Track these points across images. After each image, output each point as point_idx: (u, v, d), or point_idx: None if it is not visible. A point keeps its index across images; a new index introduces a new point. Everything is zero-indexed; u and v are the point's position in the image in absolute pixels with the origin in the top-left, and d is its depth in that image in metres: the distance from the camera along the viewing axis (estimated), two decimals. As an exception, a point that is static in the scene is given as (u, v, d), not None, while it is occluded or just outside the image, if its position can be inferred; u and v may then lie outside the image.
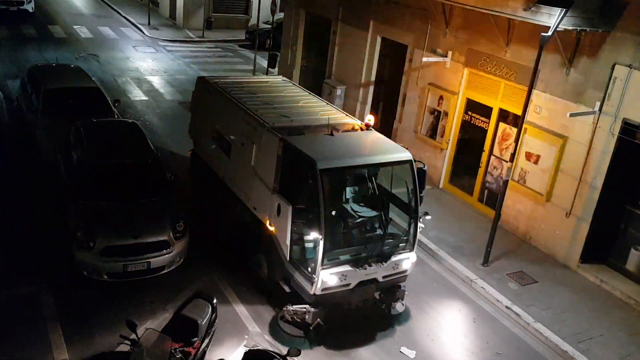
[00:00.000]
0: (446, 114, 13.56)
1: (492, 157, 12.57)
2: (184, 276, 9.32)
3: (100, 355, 7.54)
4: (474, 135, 13.02)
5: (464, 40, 12.88)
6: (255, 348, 6.94)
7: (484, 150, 12.72)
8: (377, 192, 9.08)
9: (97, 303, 8.54)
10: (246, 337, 7.04)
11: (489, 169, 12.69)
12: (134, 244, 8.85)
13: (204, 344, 6.99)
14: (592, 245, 10.60)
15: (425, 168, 8.88)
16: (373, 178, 9.09)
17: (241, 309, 8.82)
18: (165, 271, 9.12)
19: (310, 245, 8.04)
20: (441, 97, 13.71)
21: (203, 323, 7.04)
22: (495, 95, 12.31)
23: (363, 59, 16.09)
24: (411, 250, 8.70)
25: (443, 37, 13.41)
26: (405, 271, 8.73)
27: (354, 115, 12.31)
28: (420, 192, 8.60)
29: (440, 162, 13.68)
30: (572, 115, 10.35)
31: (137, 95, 18.32)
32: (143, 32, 26.65)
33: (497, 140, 12.42)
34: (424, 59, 13.48)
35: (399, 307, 9.00)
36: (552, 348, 8.78)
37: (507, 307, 9.55)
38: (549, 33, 9.23)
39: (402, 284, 8.84)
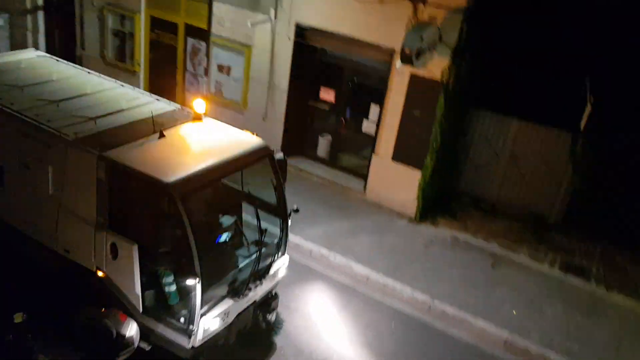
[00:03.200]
0: (132, 34, 13.02)
1: (187, 74, 12.72)
2: None
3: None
4: (164, 53, 12.86)
5: (134, -46, 12.26)
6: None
7: (177, 68, 12.74)
8: (232, 195, 7.45)
9: None
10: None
11: (186, 85, 12.84)
12: None
13: None
14: (289, 141, 11.85)
15: (285, 157, 7.52)
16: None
17: None
18: None
19: (173, 288, 6.38)
20: (123, 17, 13.03)
21: None
22: (177, 12, 12.24)
23: (22, -21, 14.06)
24: (284, 253, 7.50)
25: (111, -49, 12.54)
26: (280, 279, 7.62)
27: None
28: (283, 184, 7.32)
29: (136, 85, 13.27)
30: (252, 24, 11.02)
31: None
32: None
33: (188, 56, 12.55)
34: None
35: (272, 317, 7.80)
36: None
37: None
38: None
39: (274, 291, 7.66)
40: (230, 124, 7.65)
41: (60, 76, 8.26)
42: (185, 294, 6.29)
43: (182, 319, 6.25)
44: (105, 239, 6.37)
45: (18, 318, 6.37)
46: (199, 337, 6.23)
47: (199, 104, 7.41)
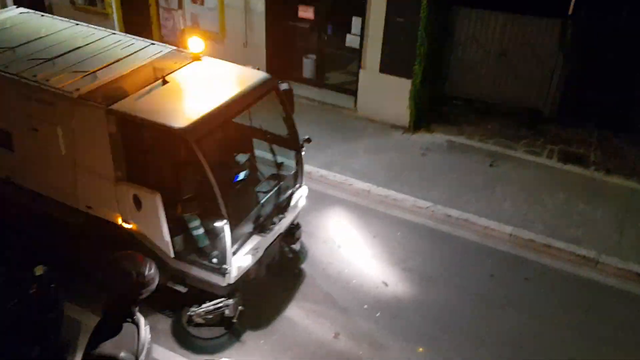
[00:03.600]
0: (97, -25, 12.49)
1: (161, 10, 12.28)
2: None
3: None
4: (134, -9, 12.38)
5: None
6: None
7: (150, 5, 12.29)
8: (243, 132, 7.36)
9: None
10: None
11: (161, 22, 12.43)
12: None
13: None
14: (273, 65, 11.57)
15: (291, 87, 7.30)
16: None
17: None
18: None
19: (200, 231, 6.49)
20: (84, -42, 12.45)
21: None
22: (139, -57, 11.67)
23: None
24: (301, 184, 7.47)
25: None
26: (300, 209, 7.64)
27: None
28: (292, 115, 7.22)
29: (110, 27, 12.86)
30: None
31: None
32: None
33: (158, -10, 12.09)
34: None
35: (296, 246, 7.90)
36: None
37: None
38: None
39: (296, 221, 7.69)
40: (211, 56, 7.44)
41: (49, 31, 7.83)
42: (214, 235, 6.39)
43: (214, 260, 6.37)
44: (126, 191, 6.30)
45: (39, 270, 6.46)
46: (233, 275, 6.36)
47: (195, 43, 7.11)
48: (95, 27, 8.12)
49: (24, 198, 7.37)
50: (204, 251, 6.50)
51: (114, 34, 7.89)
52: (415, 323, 7.09)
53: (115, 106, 6.11)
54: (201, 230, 6.44)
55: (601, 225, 8.57)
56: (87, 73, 6.71)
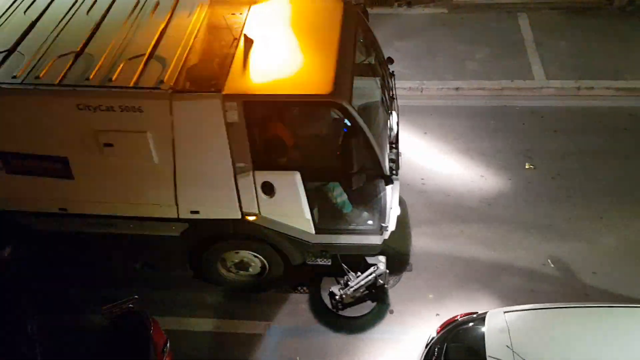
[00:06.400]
0: None
1: None
2: None
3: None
4: None
5: None
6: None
7: None
8: None
9: None
10: None
11: None
12: None
13: None
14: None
15: (364, 6, 6.16)
16: None
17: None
18: None
19: (344, 197, 5.86)
20: None
21: None
22: None
23: None
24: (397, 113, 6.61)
25: None
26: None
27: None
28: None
29: None
30: None
31: None
32: None
33: None
34: None
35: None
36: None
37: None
38: None
39: None
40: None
41: (35, 11, 6.03)
42: (361, 196, 5.97)
43: (369, 222, 6.03)
44: (253, 181, 5.55)
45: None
46: (390, 228, 6.01)
47: None
48: None
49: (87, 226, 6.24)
50: (347, 217, 6.09)
51: None
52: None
53: (229, 90, 5.09)
54: (345, 196, 5.98)
55: (417, 56, 9.72)
56: (146, 57, 5.36)
